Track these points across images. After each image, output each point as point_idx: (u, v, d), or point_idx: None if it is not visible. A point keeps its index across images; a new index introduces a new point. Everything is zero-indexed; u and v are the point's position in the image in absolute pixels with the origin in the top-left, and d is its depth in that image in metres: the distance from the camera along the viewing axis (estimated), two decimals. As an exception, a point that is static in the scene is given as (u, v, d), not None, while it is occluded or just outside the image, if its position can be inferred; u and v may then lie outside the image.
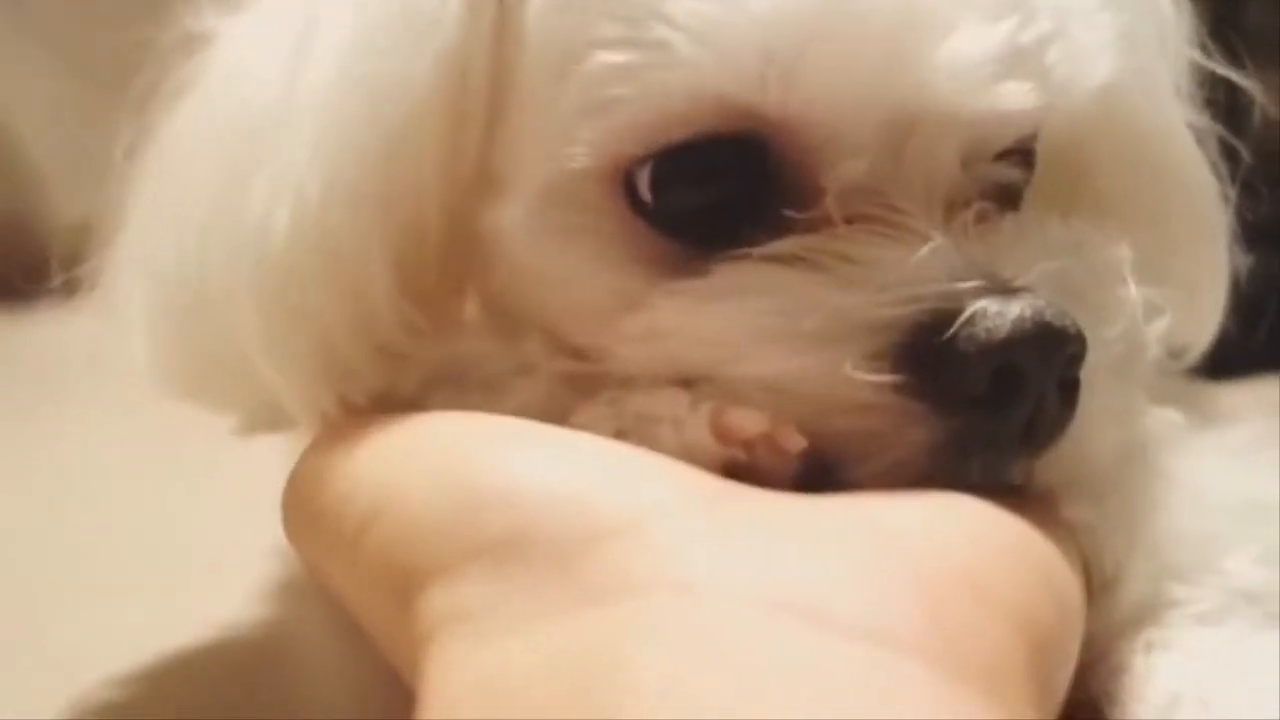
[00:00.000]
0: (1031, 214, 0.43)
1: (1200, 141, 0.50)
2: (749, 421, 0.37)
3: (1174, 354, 0.51)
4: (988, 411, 0.37)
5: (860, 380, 0.37)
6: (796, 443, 0.37)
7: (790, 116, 0.39)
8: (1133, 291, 0.40)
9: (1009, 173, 0.42)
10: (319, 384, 0.42)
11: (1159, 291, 0.41)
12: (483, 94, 0.42)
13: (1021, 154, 0.43)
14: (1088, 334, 0.38)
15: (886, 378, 0.37)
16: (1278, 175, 0.53)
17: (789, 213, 0.40)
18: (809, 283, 0.38)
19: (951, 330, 0.36)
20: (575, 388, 0.41)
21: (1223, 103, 0.51)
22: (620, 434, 0.38)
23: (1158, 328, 0.41)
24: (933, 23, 0.38)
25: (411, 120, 0.41)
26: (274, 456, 0.46)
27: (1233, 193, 0.51)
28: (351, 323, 0.41)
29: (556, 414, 0.39)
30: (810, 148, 0.40)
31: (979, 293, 0.37)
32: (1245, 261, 0.51)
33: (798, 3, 0.37)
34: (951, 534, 0.34)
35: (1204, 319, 0.52)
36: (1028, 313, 0.36)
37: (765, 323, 0.38)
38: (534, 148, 0.42)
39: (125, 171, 0.46)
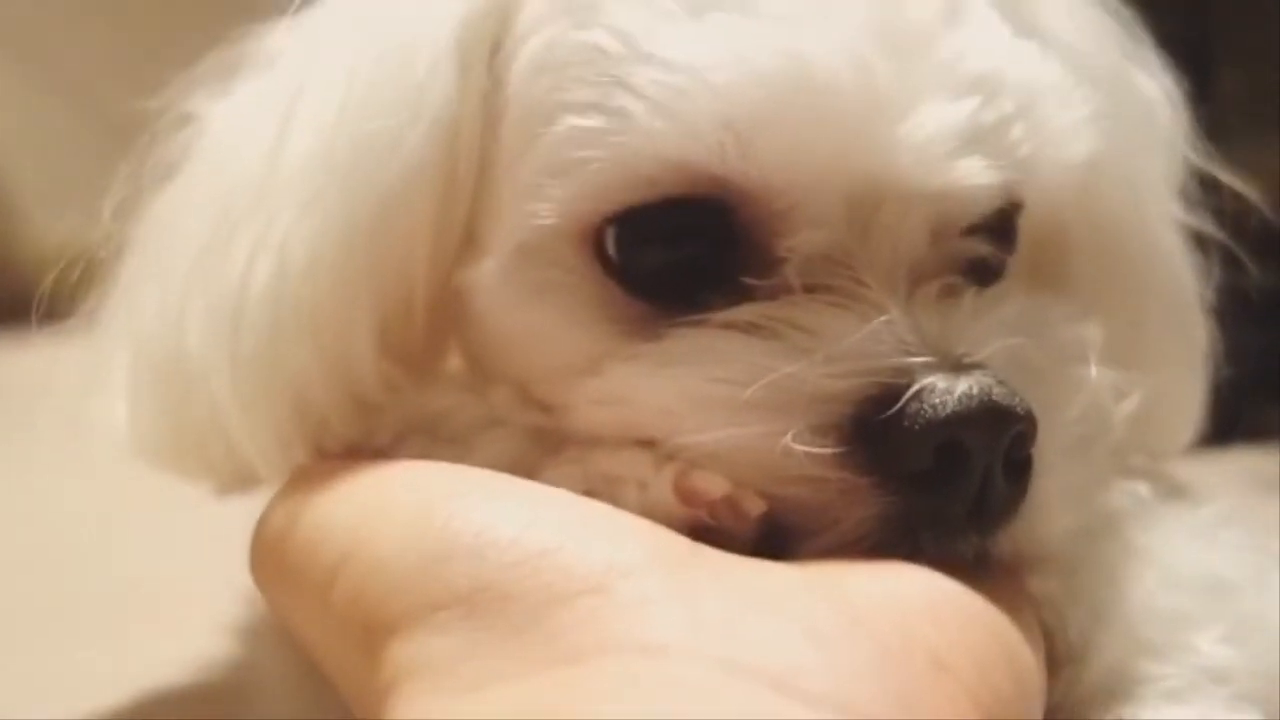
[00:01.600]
0: (996, 290, 0.43)
1: (1195, 244, 0.51)
2: (711, 484, 0.37)
3: (1153, 454, 0.51)
4: (932, 488, 0.37)
5: (802, 453, 0.37)
6: (756, 506, 0.37)
7: (750, 185, 0.39)
8: (1094, 372, 0.40)
9: (979, 248, 0.43)
10: (292, 438, 0.42)
11: (1128, 375, 0.42)
12: (473, 159, 0.43)
13: (998, 230, 0.44)
14: (1044, 414, 0.38)
15: (828, 451, 0.37)
16: (1261, 251, 0.53)
17: (749, 280, 0.40)
18: (759, 351, 0.38)
19: (897, 405, 0.36)
20: (542, 444, 0.41)
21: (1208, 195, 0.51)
22: (587, 494, 0.38)
23: (1123, 410, 0.41)
24: (894, 99, 0.39)
25: (403, 185, 0.41)
26: (246, 498, 0.46)
27: (1212, 295, 0.51)
28: (329, 378, 0.42)
29: (524, 469, 0.39)
30: (772, 216, 0.40)
31: (928, 368, 0.37)
32: (1226, 341, 0.51)
33: (758, 75, 0.38)
34: (914, 606, 0.35)
35: (1181, 420, 0.52)
36: (974, 390, 0.36)
37: (711, 390, 0.38)
38: (508, 206, 0.42)
39: (116, 242, 0.47)
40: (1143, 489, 0.46)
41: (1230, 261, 0.52)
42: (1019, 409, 0.37)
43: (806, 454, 0.37)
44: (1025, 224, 0.45)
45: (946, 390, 0.36)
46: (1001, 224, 0.44)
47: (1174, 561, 0.43)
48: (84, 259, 0.48)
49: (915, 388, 0.36)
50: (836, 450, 0.37)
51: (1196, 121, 0.51)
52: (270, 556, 0.40)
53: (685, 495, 0.37)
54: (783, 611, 0.33)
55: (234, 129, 0.45)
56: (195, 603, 0.61)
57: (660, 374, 0.39)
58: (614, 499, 0.38)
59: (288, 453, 0.42)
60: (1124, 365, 0.42)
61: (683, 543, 0.36)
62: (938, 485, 0.37)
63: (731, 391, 0.38)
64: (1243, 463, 0.76)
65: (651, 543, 0.35)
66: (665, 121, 0.38)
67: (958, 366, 0.37)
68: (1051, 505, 0.39)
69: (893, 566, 0.36)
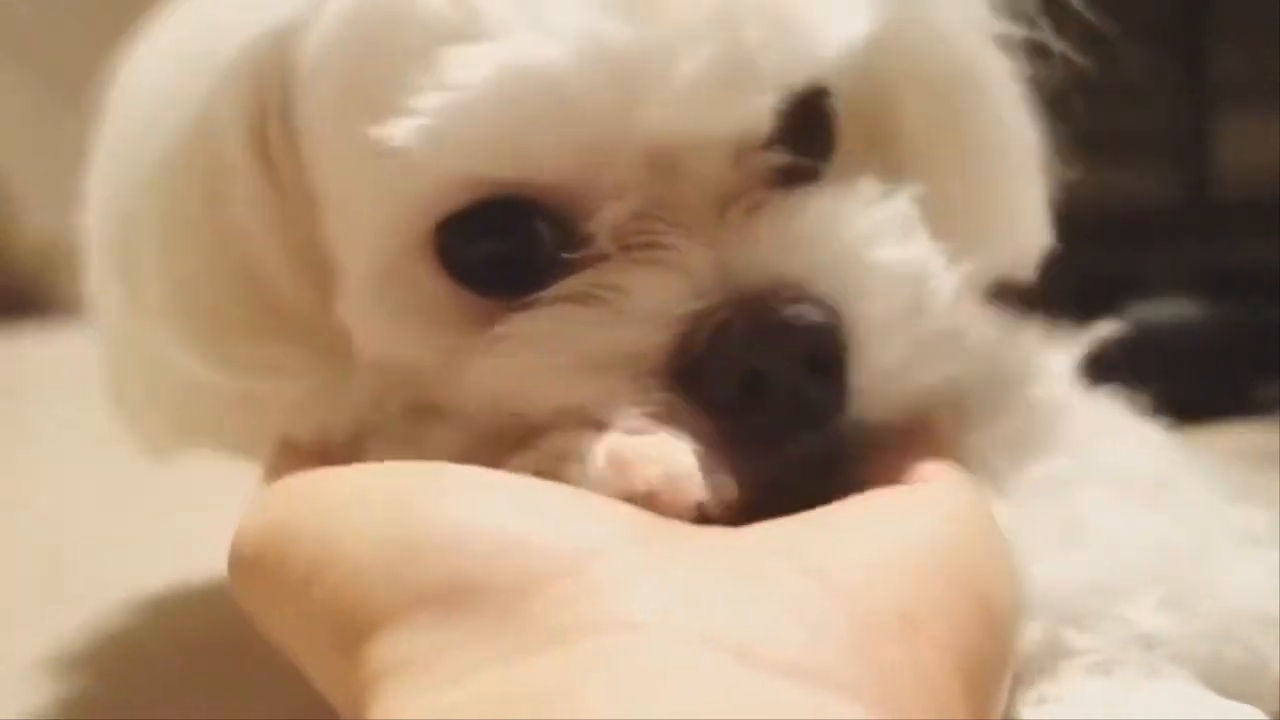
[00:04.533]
0: (803, 192, 0.44)
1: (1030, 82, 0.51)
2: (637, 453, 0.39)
3: (999, 284, 0.53)
4: (747, 413, 0.40)
5: (637, 403, 0.40)
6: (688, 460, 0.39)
7: (540, 184, 0.42)
8: (910, 249, 0.43)
9: (778, 158, 0.44)
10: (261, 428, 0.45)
11: (966, 225, 0.45)
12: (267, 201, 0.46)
13: (808, 126, 0.45)
14: (857, 299, 0.41)
15: (656, 396, 0.40)
16: (1240, 219, 0.53)
17: (569, 255, 0.42)
18: (578, 320, 0.41)
19: (698, 350, 0.39)
20: (498, 434, 0.42)
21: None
22: (538, 474, 0.39)
23: (953, 269, 0.44)
24: (637, 68, 0.40)
25: (169, 176, 0.46)
26: (237, 490, 0.46)
27: (1045, 120, 0.52)
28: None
29: (481, 459, 0.40)
30: (573, 201, 0.42)
31: (721, 308, 0.40)
32: (1070, 176, 0.52)
33: (508, 87, 0.40)
34: (885, 567, 0.35)
35: (1026, 246, 0.53)
36: (764, 317, 0.39)
37: (541, 364, 0.41)
38: (341, 238, 0.46)
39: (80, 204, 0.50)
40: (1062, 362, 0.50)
41: (1242, 233, 0.51)
42: (805, 321, 0.40)
43: (634, 407, 0.40)
44: (839, 105, 0.46)
45: (737, 325, 0.39)
46: (809, 119, 0.45)
47: (1112, 530, 0.43)
48: (74, 247, 0.49)
49: (709, 329, 0.39)
50: (660, 397, 0.40)
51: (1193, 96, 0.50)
52: (247, 562, 0.40)
53: (617, 468, 0.39)
54: (752, 582, 0.33)
55: (129, 93, 0.48)
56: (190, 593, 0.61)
57: (507, 354, 0.42)
58: (563, 478, 0.39)
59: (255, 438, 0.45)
60: (962, 212, 0.45)
61: (649, 518, 0.37)
62: (750, 409, 0.40)
63: (568, 359, 0.41)
64: (1233, 436, 0.76)
65: (621, 521, 0.36)
66: (445, 142, 0.40)
67: (748, 298, 0.40)
68: (889, 378, 0.41)
69: (863, 527, 0.37)
